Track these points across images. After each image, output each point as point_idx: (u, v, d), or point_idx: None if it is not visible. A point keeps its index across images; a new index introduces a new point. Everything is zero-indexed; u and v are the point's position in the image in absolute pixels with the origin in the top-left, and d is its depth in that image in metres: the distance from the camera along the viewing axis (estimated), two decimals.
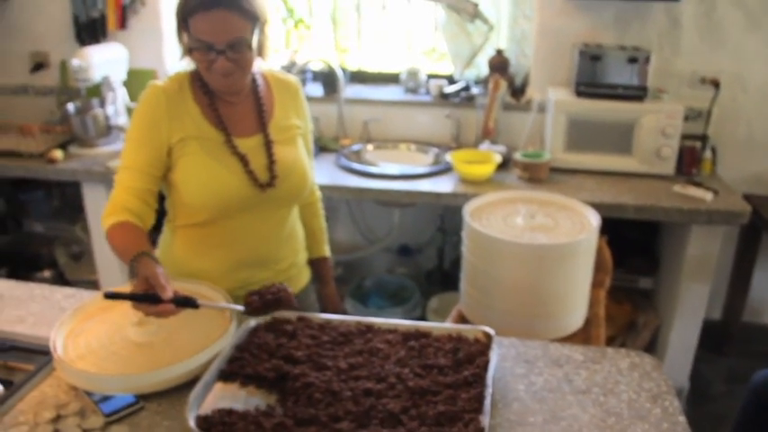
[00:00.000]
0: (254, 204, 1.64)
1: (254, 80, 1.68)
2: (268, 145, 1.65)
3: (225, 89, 1.59)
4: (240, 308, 1.46)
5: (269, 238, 1.72)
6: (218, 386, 1.31)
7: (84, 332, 1.46)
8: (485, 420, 1.16)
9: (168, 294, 1.32)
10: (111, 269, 3.13)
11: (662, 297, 2.94)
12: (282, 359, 1.34)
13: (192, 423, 1.16)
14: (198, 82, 1.62)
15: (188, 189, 1.60)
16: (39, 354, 1.46)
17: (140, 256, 1.39)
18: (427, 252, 3.52)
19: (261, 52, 1.60)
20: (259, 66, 1.68)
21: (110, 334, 1.45)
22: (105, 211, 1.55)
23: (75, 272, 3.47)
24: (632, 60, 2.70)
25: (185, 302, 1.35)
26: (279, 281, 1.74)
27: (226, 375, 1.32)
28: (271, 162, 1.64)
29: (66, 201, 3.58)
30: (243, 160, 1.61)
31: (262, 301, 1.46)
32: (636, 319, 2.94)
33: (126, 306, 1.40)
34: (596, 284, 2.09)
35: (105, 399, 1.29)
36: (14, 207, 3.48)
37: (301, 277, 1.88)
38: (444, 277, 3.42)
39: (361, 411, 1.19)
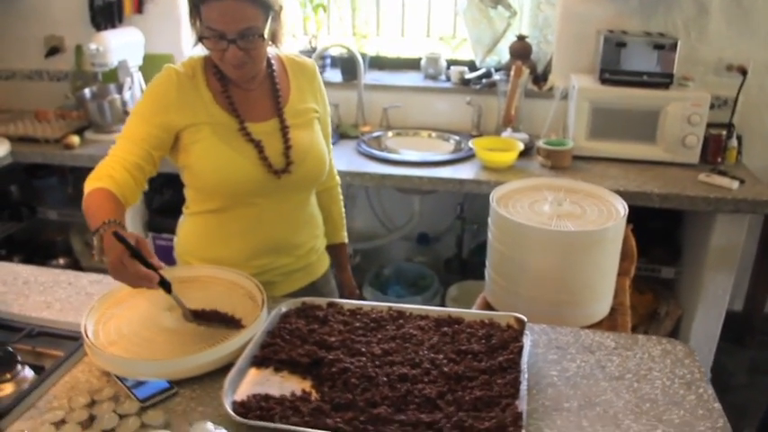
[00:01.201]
0: (270, 190, 1.63)
1: (269, 64, 1.67)
2: (284, 129, 1.64)
3: (238, 79, 1.59)
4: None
5: (287, 224, 1.72)
6: (252, 372, 1.31)
7: (113, 318, 1.46)
8: (522, 405, 1.16)
9: (157, 263, 1.32)
10: None
11: (684, 287, 2.93)
12: (315, 345, 1.34)
13: (228, 408, 1.16)
14: (212, 68, 1.61)
15: (202, 175, 1.61)
16: (67, 339, 1.46)
17: (113, 224, 1.36)
18: (446, 240, 3.52)
19: (274, 40, 1.59)
20: (275, 50, 1.68)
21: (141, 320, 1.45)
22: (90, 175, 1.54)
23: (91, 259, 3.48)
24: (658, 47, 2.68)
25: (164, 282, 1.35)
26: (299, 266, 1.76)
27: (259, 361, 1.33)
28: (286, 147, 1.63)
29: (80, 187, 3.54)
30: (257, 146, 1.60)
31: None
32: (658, 308, 2.93)
33: (156, 292, 1.40)
34: (621, 273, 2.08)
35: (139, 384, 1.28)
36: (28, 194, 3.47)
37: (321, 263, 1.88)
38: (463, 266, 3.42)
39: (398, 396, 1.19)
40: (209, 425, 0.96)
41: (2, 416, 1.21)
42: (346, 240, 2.00)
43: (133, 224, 3.09)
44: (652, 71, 2.71)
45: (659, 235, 2.95)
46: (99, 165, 1.55)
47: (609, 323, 1.91)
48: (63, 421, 1.18)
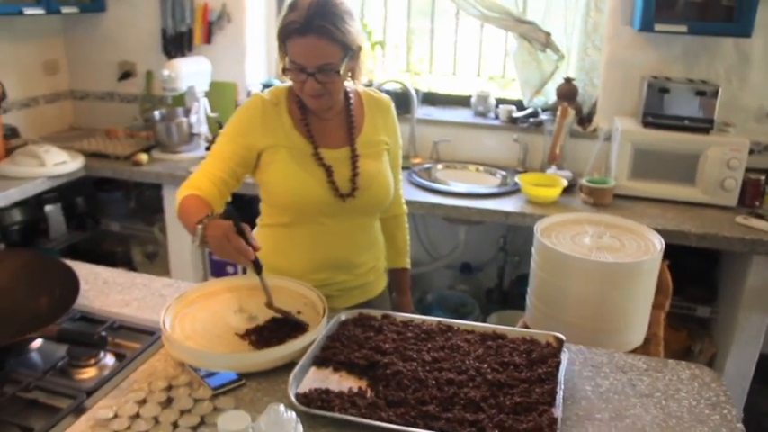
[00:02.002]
0: (335, 212, 1.78)
1: (347, 97, 1.82)
2: (353, 158, 1.79)
3: (315, 108, 1.75)
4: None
5: (349, 244, 1.86)
6: (313, 370, 1.45)
7: (187, 316, 1.62)
8: (557, 412, 1.28)
9: (255, 244, 1.50)
10: (184, 269, 3.32)
11: (719, 326, 2.99)
12: (371, 350, 1.48)
13: (293, 398, 1.31)
14: (294, 97, 1.77)
15: (275, 192, 1.78)
16: (144, 333, 1.63)
17: (215, 216, 1.54)
18: (488, 271, 3.63)
19: (353, 76, 1.75)
20: (354, 85, 1.84)
21: (212, 319, 1.61)
22: (182, 186, 1.73)
23: (149, 270, 3.64)
24: (699, 93, 2.79)
25: (257, 263, 1.53)
26: (356, 284, 1.89)
27: (320, 361, 1.47)
28: (354, 174, 1.78)
29: (142, 202, 3.79)
30: (327, 171, 1.75)
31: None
32: (692, 346, 3.00)
33: (226, 295, 1.62)
34: (657, 306, 2.18)
35: (210, 375, 1.43)
36: (93, 206, 3.68)
37: (379, 283, 2.01)
38: (503, 296, 3.52)
39: (445, 397, 1.32)
40: (282, 407, 1.10)
41: (89, 394, 1.37)
42: (408, 266, 2.13)
43: (191, 240, 3.27)
44: (693, 116, 2.81)
45: (697, 274, 3.02)
46: (190, 177, 1.75)
47: (642, 352, 2.00)
48: (144, 401, 1.33)
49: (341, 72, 1.65)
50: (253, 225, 1.94)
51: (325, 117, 1.79)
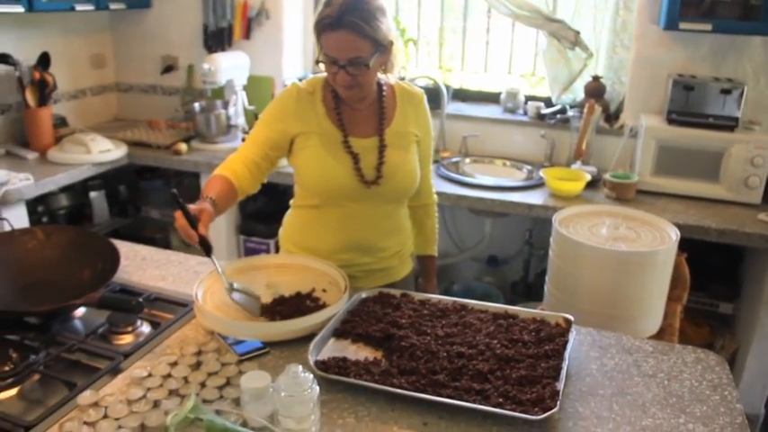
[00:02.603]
0: (360, 197, 1.87)
1: (380, 89, 1.90)
2: (381, 147, 1.87)
3: (347, 99, 1.84)
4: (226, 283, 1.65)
5: (373, 228, 1.94)
6: (332, 341, 1.55)
7: (219, 291, 1.71)
8: (560, 385, 1.36)
9: (202, 230, 1.58)
10: (219, 255, 3.40)
11: (741, 323, 3.01)
12: (388, 324, 1.58)
13: (312, 364, 1.41)
14: (329, 87, 1.87)
15: (305, 175, 1.89)
16: (178, 305, 1.75)
17: (208, 200, 1.68)
18: (514, 264, 3.69)
19: (386, 69, 1.85)
20: (388, 78, 1.92)
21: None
22: (219, 166, 1.85)
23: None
24: (725, 91, 2.81)
25: (204, 243, 1.60)
26: (380, 267, 1.98)
27: (339, 333, 1.57)
28: (380, 163, 1.86)
29: (181, 190, 3.90)
30: (354, 158, 1.85)
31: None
32: (714, 342, 3.03)
33: (255, 272, 1.77)
34: (673, 298, 2.23)
35: (237, 343, 1.54)
36: (135, 194, 3.84)
37: (403, 268, 2.08)
38: (529, 289, 3.58)
39: (455, 368, 1.41)
40: (300, 368, 1.20)
41: (126, 356, 1.50)
42: (436, 254, 2.22)
43: (227, 227, 3.43)
44: (718, 114, 2.84)
45: (720, 271, 3.05)
46: (228, 158, 1.87)
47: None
48: (176, 363, 1.44)
49: (370, 65, 1.73)
50: (286, 208, 2.06)
51: (357, 108, 1.88)
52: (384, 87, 1.91)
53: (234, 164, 1.84)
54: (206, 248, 1.61)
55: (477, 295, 3.51)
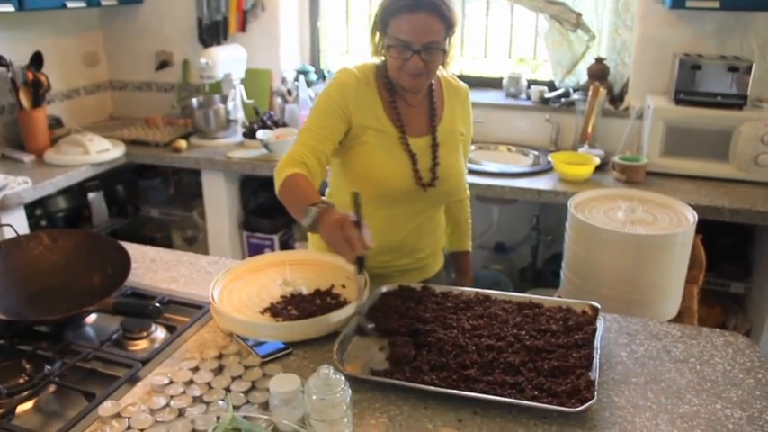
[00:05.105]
0: (413, 200, 1.79)
1: (430, 83, 1.81)
2: (434, 147, 1.78)
3: (411, 88, 1.72)
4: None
5: (415, 231, 1.87)
6: (356, 339, 1.51)
7: (234, 290, 1.68)
8: (594, 375, 1.32)
9: (368, 242, 1.43)
10: (223, 254, 3.40)
11: (754, 302, 3.00)
12: (412, 319, 1.54)
13: (338, 364, 1.36)
14: (383, 78, 1.76)
15: (357, 174, 1.77)
16: (192, 307, 1.70)
17: (329, 204, 1.49)
18: (521, 251, 3.66)
19: (445, 60, 1.73)
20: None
21: (258, 292, 1.67)
22: (281, 164, 1.65)
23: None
24: (732, 70, 2.78)
25: (360, 262, 1.48)
26: (416, 266, 1.91)
27: (362, 330, 1.53)
28: (434, 164, 1.78)
29: (180, 188, 3.90)
30: (412, 158, 1.75)
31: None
32: (726, 322, 3.01)
33: (270, 269, 1.68)
34: (690, 280, 2.20)
35: (258, 344, 1.50)
36: (134, 193, 3.79)
37: (436, 264, 2.03)
38: (537, 275, 3.56)
39: (486, 362, 1.37)
40: (331, 369, 1.16)
41: (144, 363, 1.45)
42: (470, 249, 2.14)
43: (229, 223, 3.38)
44: (726, 92, 2.80)
45: (730, 251, 3.03)
46: (288, 153, 1.68)
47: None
48: (197, 368, 1.40)
49: (446, 50, 1.65)
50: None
51: (412, 103, 1.78)
52: (433, 81, 1.81)
53: (303, 157, 1.65)
54: (360, 264, 1.48)
55: (487, 284, 3.47)
